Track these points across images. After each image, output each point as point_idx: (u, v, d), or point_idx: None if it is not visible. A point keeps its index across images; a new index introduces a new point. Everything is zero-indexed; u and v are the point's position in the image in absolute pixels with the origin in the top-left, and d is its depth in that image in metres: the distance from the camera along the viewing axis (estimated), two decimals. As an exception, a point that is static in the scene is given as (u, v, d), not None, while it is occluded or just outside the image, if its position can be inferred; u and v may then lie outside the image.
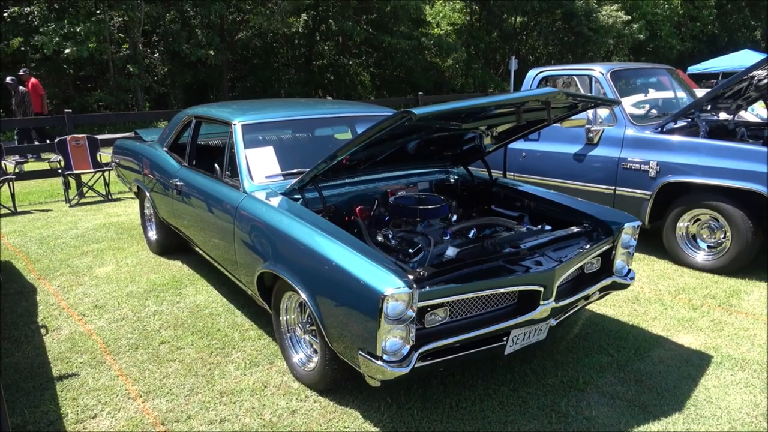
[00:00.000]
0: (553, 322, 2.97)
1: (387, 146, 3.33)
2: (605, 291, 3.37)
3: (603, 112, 5.36)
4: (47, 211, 7.56)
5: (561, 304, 2.90)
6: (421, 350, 2.47)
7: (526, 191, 3.83)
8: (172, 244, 5.21)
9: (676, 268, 4.82)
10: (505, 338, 2.79)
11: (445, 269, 2.63)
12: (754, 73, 4.90)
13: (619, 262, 3.34)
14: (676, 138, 4.79)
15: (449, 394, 2.96)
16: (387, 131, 2.60)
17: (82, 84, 22.13)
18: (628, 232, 3.31)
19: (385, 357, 2.41)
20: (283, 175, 3.62)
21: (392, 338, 2.42)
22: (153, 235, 5.42)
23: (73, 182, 8.18)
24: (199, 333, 3.75)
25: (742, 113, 7.24)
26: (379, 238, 3.19)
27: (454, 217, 3.67)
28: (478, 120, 3.13)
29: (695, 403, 2.87)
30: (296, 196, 3.39)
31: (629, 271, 3.41)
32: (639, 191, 4.94)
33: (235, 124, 3.85)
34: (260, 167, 3.66)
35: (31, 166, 9.99)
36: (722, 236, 4.60)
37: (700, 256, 4.75)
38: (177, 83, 23.12)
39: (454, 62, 29.04)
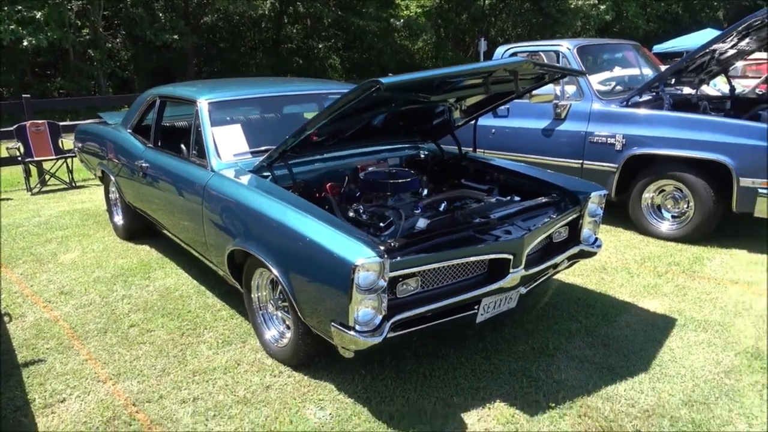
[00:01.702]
0: (523, 290, 3.02)
1: (355, 120, 3.31)
2: (573, 259, 3.43)
3: (570, 87, 5.42)
4: (7, 200, 7.33)
5: (530, 272, 2.94)
6: (393, 320, 2.48)
7: (496, 164, 3.87)
8: (139, 229, 5.11)
9: (642, 237, 4.93)
10: (476, 307, 2.82)
11: (415, 240, 2.64)
12: (715, 46, 5.01)
13: (586, 230, 3.40)
14: (641, 111, 4.88)
15: (422, 363, 2.99)
16: (356, 102, 2.58)
17: (40, 71, 21.38)
18: (595, 201, 3.36)
19: (357, 327, 2.42)
20: (252, 153, 3.58)
21: (364, 308, 2.42)
22: (119, 219, 5.31)
23: (34, 170, 7.94)
24: (169, 315, 3.70)
25: (704, 87, 7.41)
26: (351, 214, 3.18)
27: (425, 192, 3.69)
28: (448, 92, 3.13)
29: (660, 363, 2.96)
30: (265, 174, 3.35)
31: (596, 239, 3.48)
32: (606, 164, 5.03)
33: (200, 102, 3.77)
34: (227, 145, 3.60)
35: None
36: (686, 206, 4.72)
37: (665, 226, 4.87)
38: (141, 68, 22.50)
39: (424, 44, 28.94)
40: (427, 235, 2.71)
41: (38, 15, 16.12)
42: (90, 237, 5.47)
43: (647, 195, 4.92)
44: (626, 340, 3.20)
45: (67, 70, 19.83)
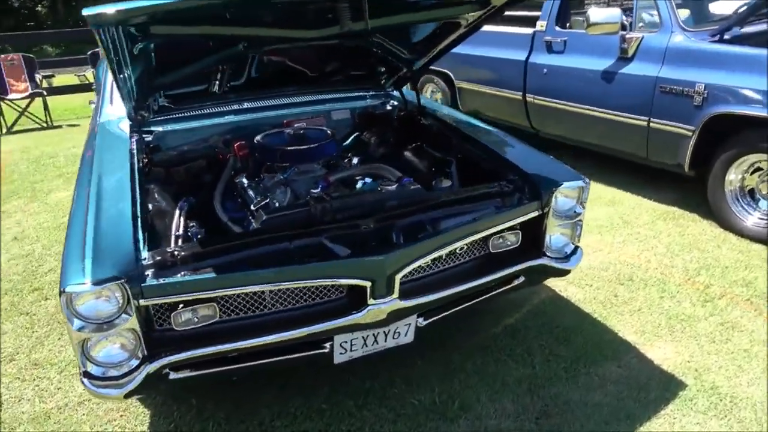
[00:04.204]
0: (420, 321, 2.09)
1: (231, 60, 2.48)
2: (536, 276, 2.36)
3: (648, 15, 3.89)
4: (76, 126, 7.51)
5: (415, 303, 1.98)
6: (157, 363, 1.75)
7: (456, 126, 2.80)
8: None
9: (719, 233, 3.50)
10: (326, 345, 1.97)
11: (214, 250, 1.82)
12: None
13: (554, 236, 2.29)
14: (734, 49, 3.31)
15: (274, 402, 2.23)
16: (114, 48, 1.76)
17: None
18: (568, 195, 2.23)
19: (93, 371, 1.72)
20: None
21: (109, 346, 1.73)
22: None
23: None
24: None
25: None
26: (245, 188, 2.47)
27: (356, 160, 2.79)
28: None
29: (608, 468, 1.89)
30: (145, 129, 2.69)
31: (575, 249, 2.35)
32: (678, 125, 3.58)
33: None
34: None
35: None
36: (789, 194, 3.20)
37: (752, 220, 3.38)
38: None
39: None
40: (246, 241, 1.88)
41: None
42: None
43: (733, 175, 3.42)
44: (581, 413, 2.12)
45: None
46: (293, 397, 2.24)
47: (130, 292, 1.64)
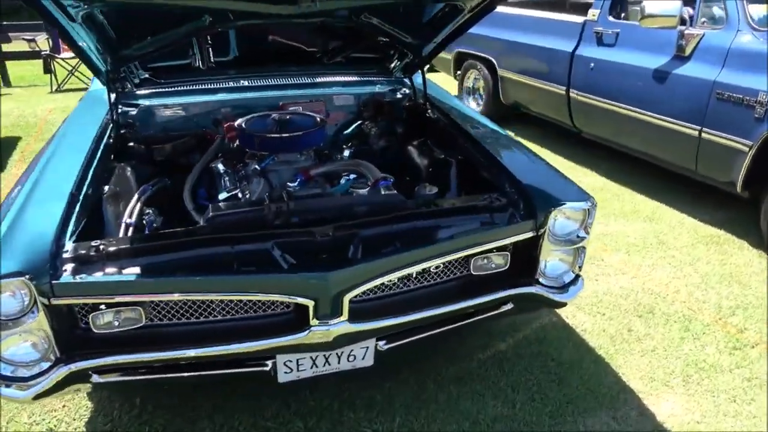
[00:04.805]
0: (381, 345, 1.85)
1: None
2: (526, 305, 2.06)
3: (717, 9, 3.40)
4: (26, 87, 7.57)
5: (372, 326, 1.74)
6: (69, 368, 1.59)
7: (459, 123, 2.48)
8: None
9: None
10: (268, 363, 1.76)
11: (144, 247, 1.64)
12: None
13: (552, 262, 1.99)
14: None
15: (219, 413, 2.05)
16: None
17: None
18: (570, 217, 1.92)
19: (1, 370, 1.58)
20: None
21: (19, 343, 1.58)
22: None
23: (58, 68, 7.70)
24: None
25: None
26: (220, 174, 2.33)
27: (347, 153, 2.55)
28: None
29: None
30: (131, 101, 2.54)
31: (576, 279, 2.03)
32: (734, 138, 3.13)
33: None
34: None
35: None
36: None
37: (809, 258, 2.92)
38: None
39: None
40: (183, 240, 1.68)
41: None
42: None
43: (792, 200, 2.96)
44: (554, 470, 1.84)
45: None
46: (239, 409, 2.06)
47: (35, 290, 1.48)
